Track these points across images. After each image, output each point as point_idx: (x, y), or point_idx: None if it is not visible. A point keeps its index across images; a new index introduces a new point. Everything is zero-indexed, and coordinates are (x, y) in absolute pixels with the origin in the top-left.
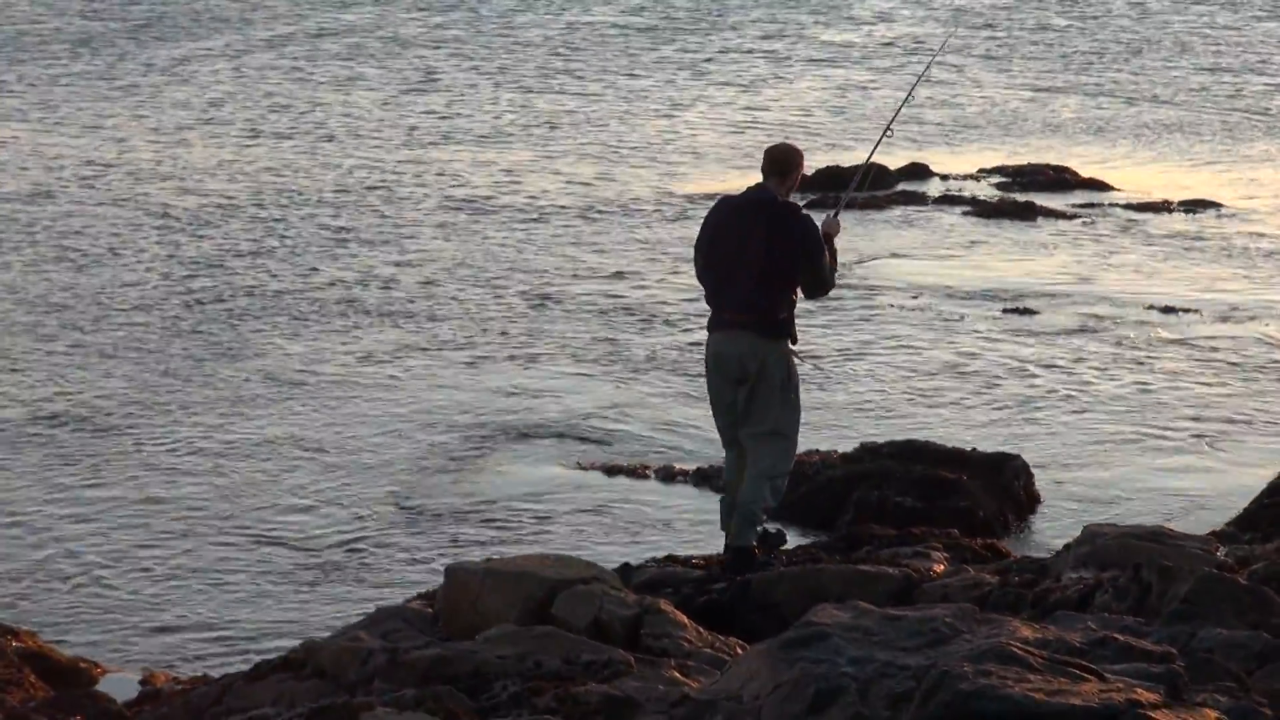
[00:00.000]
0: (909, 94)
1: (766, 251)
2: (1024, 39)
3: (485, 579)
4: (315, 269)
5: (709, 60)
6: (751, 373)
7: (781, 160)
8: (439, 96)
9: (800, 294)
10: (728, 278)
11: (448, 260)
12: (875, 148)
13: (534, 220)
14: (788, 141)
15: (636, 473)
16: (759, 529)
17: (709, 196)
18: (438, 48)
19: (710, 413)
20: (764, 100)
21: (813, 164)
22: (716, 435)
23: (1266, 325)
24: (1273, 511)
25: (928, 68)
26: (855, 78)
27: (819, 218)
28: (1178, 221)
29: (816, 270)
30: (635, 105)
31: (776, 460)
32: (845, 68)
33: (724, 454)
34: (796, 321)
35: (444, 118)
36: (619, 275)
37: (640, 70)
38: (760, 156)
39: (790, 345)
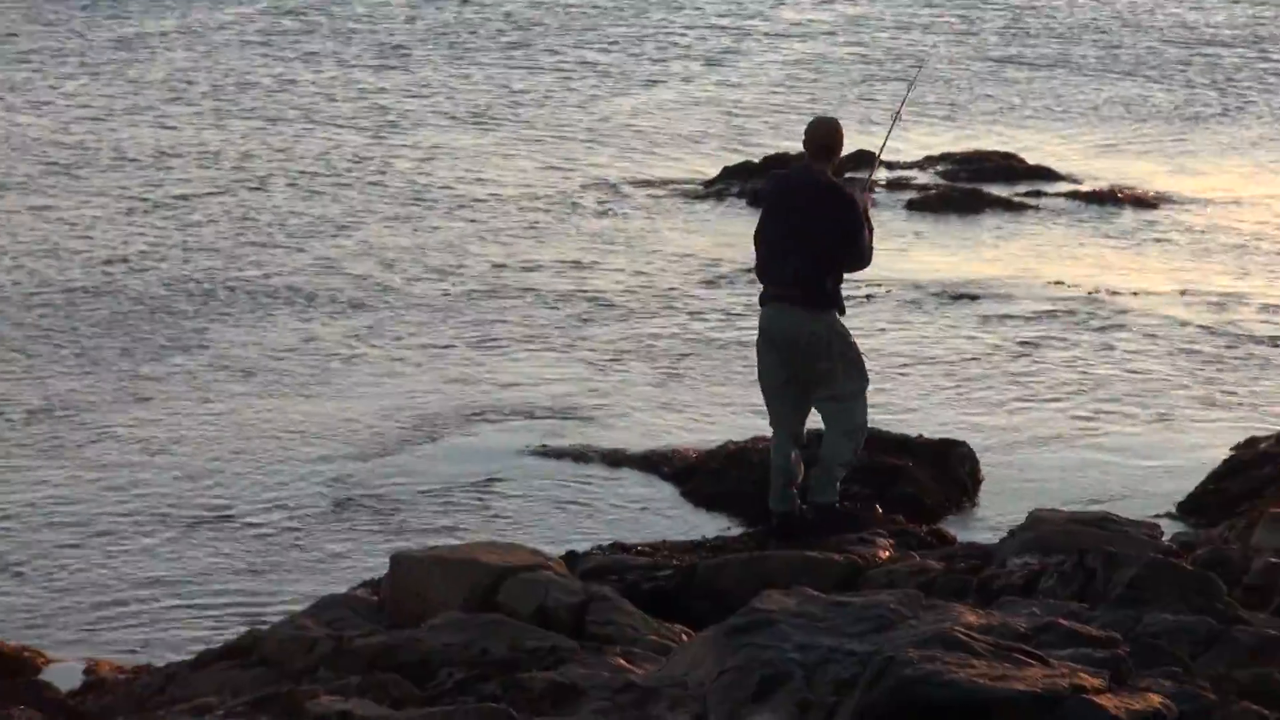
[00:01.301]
0: (913, 80)
1: (812, 230)
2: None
3: (431, 567)
4: (269, 256)
5: (675, 37)
6: (802, 347)
7: (826, 139)
8: (401, 76)
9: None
10: (776, 254)
11: (402, 247)
12: (889, 133)
13: (491, 206)
14: (828, 117)
15: (583, 459)
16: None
17: (676, 182)
18: (410, 22)
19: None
20: (734, 78)
21: (767, 149)
22: (663, 422)
23: (1217, 313)
24: (1218, 496)
25: (924, 62)
26: (821, 52)
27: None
28: (1127, 209)
29: (859, 248)
30: (601, 84)
31: (853, 417)
32: (811, 42)
33: (772, 434)
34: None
35: (406, 97)
36: (577, 264)
37: (605, 47)
38: (731, 137)
39: (838, 315)
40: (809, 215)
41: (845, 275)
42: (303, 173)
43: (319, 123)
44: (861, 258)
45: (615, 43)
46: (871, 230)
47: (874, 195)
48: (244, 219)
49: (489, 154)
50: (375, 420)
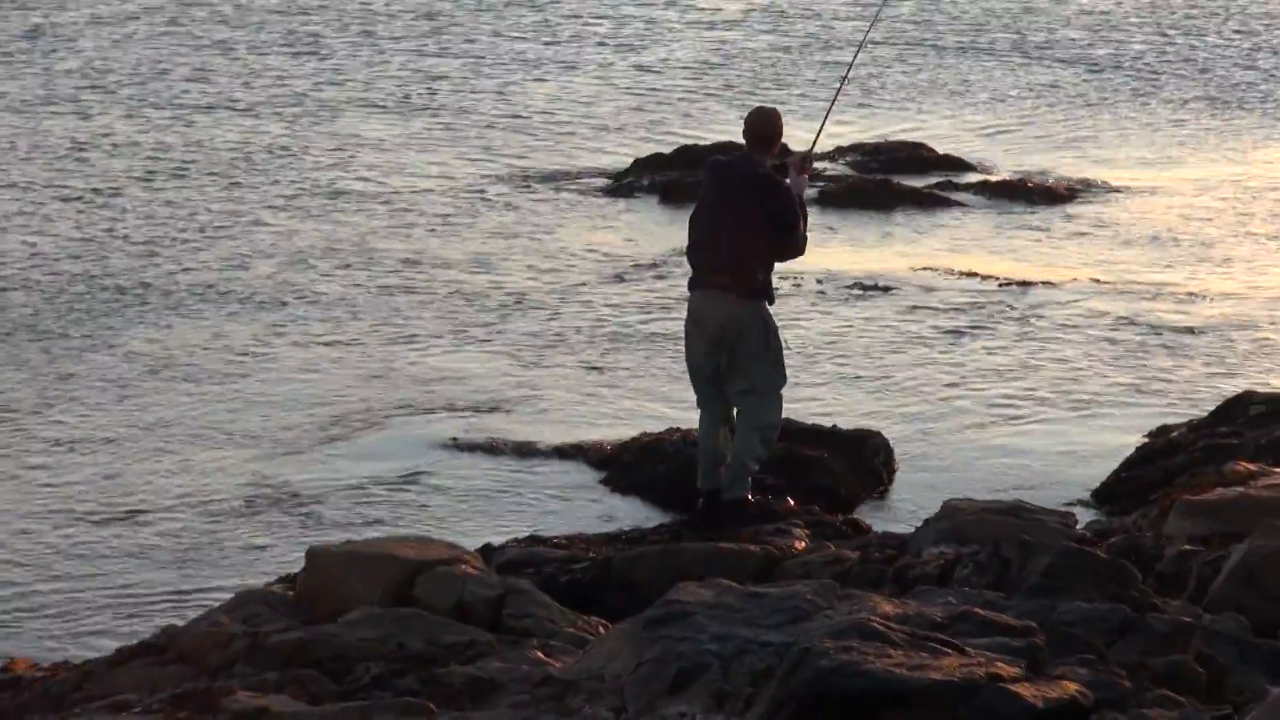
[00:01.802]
0: (852, 61)
1: (747, 220)
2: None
3: (347, 561)
4: (183, 251)
5: (591, 25)
6: (729, 333)
7: (763, 131)
8: (316, 63)
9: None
10: (708, 240)
11: (315, 241)
12: (826, 116)
13: (406, 198)
14: (769, 107)
15: (499, 453)
16: (749, 480)
17: (589, 172)
18: (320, 10)
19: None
20: (650, 63)
21: (682, 138)
22: (579, 415)
23: (1131, 303)
24: (1131, 484)
25: (863, 42)
26: (736, 38)
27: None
28: (1040, 199)
29: (792, 239)
30: (517, 71)
31: (763, 413)
32: (725, 30)
33: (699, 416)
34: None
35: (322, 84)
36: (489, 259)
37: (521, 34)
38: (645, 125)
39: (767, 306)
40: (744, 204)
41: (777, 264)
42: (218, 164)
43: (235, 112)
44: (795, 248)
45: (530, 31)
46: (806, 219)
47: (808, 176)
48: (159, 213)
49: (404, 143)
50: (291, 416)
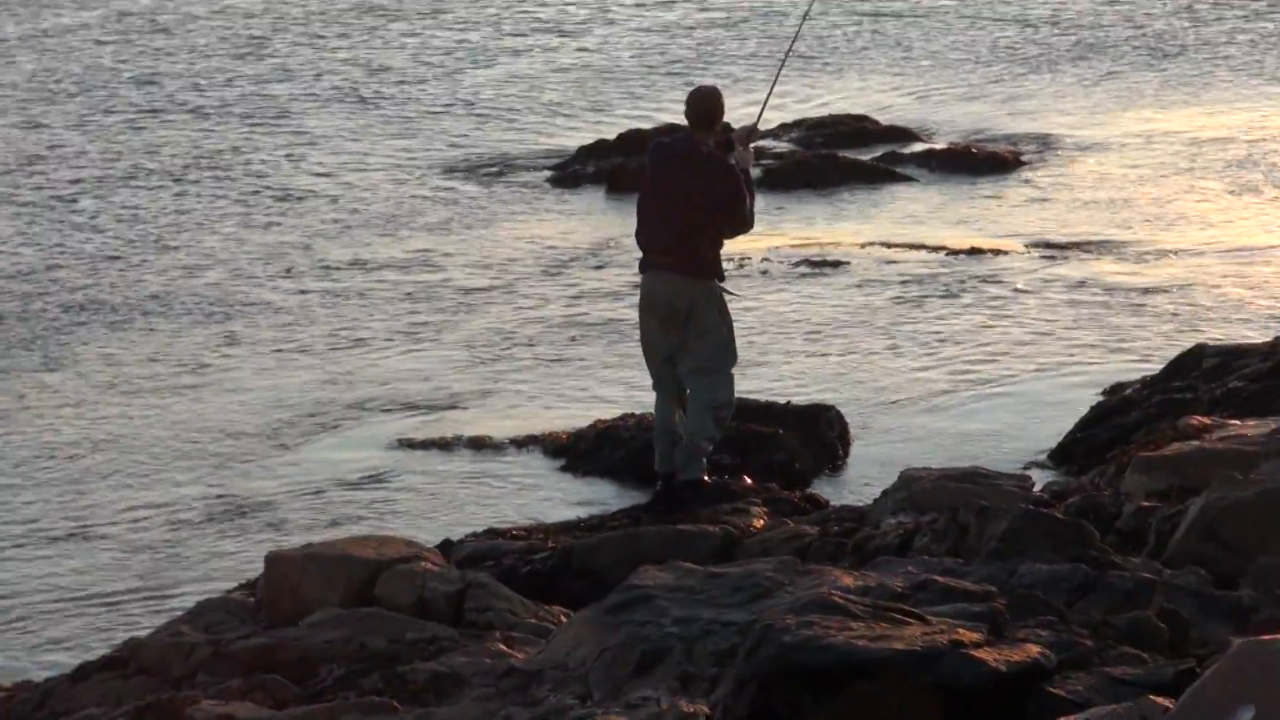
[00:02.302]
0: (795, 35)
1: (691, 199)
2: None
3: (306, 564)
4: (135, 260)
5: (534, 11)
6: (681, 313)
7: (705, 109)
8: (261, 65)
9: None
10: (655, 221)
11: (265, 245)
12: (770, 91)
13: (355, 196)
14: (709, 86)
15: (454, 448)
16: (705, 461)
17: (535, 160)
18: (261, 15)
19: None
20: (592, 46)
21: (628, 120)
22: (531, 406)
23: (1078, 266)
24: (1086, 443)
25: (806, 15)
26: (677, 19)
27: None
28: (985, 165)
29: (738, 216)
30: (463, 59)
31: (716, 393)
32: (668, 10)
33: (654, 399)
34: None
35: (265, 85)
36: (435, 254)
37: (462, 23)
38: (590, 109)
39: (718, 283)
40: (689, 184)
41: (726, 240)
42: (168, 169)
43: (184, 115)
44: (743, 224)
45: (472, 21)
46: (753, 195)
47: (753, 151)
48: (109, 224)
49: (353, 138)
50: (246, 423)
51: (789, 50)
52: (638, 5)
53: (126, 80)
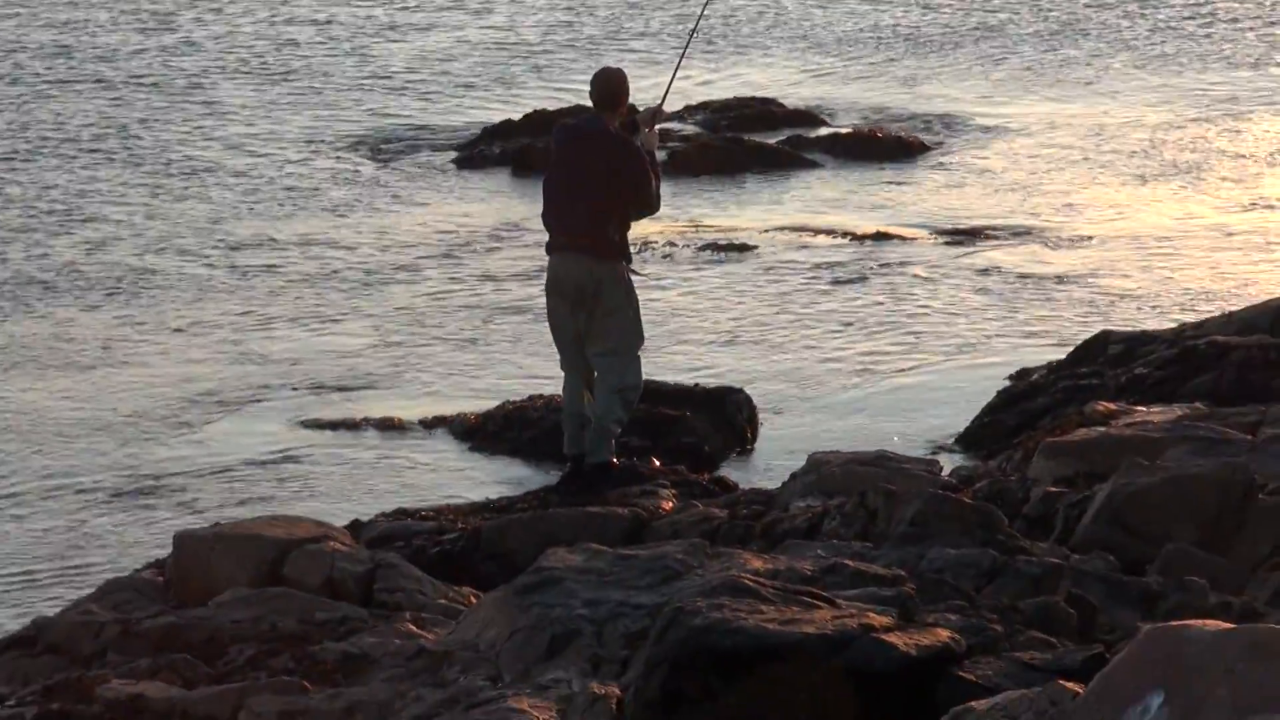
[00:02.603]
0: (699, 15)
1: (597, 180)
2: None
3: (215, 544)
4: (39, 238)
5: None
6: (589, 294)
7: (611, 91)
8: (169, 36)
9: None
10: (562, 202)
11: (172, 223)
12: (674, 72)
13: (259, 172)
14: (614, 68)
15: (362, 428)
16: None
17: (442, 137)
18: None
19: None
20: (501, 22)
21: (535, 98)
22: (439, 387)
23: (986, 250)
24: (994, 428)
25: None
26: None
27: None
28: (892, 149)
29: (644, 197)
30: (372, 34)
31: (624, 375)
32: None
33: (563, 379)
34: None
35: (175, 57)
36: (339, 234)
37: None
38: (498, 85)
39: (625, 265)
40: (595, 165)
41: (633, 221)
42: (77, 143)
43: (92, 87)
44: (648, 205)
45: None
46: (659, 176)
47: (657, 132)
48: (16, 196)
49: (263, 112)
50: (153, 402)
51: (693, 31)
52: None
53: (34, 52)
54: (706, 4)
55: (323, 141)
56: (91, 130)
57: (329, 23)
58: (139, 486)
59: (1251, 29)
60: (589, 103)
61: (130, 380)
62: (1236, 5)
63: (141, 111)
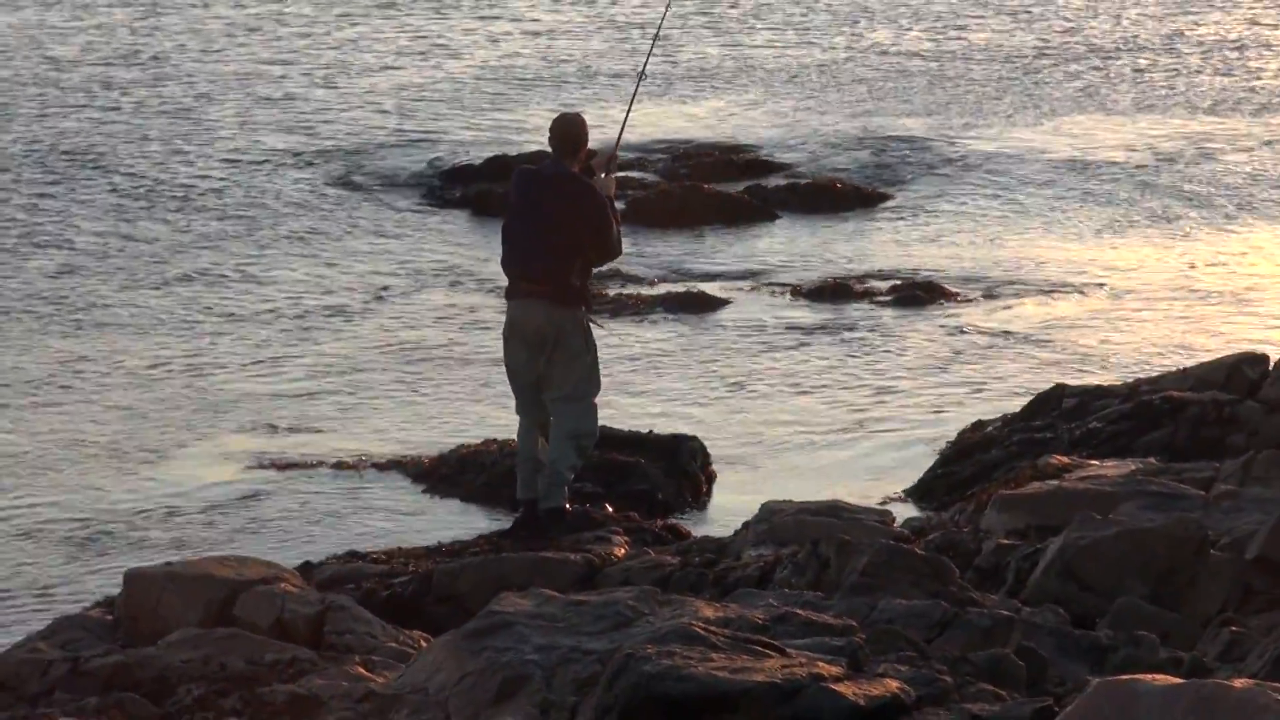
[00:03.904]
0: (647, 56)
1: (559, 226)
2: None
3: (165, 583)
4: None
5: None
6: (549, 340)
7: (571, 136)
8: (135, 67)
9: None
10: (523, 248)
11: (110, 256)
12: (627, 115)
13: (207, 201)
14: (573, 113)
15: (313, 469)
16: (567, 490)
17: (399, 179)
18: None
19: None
20: (461, 62)
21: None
22: (394, 429)
23: (944, 306)
24: (947, 480)
25: (656, 35)
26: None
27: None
28: (850, 200)
29: (605, 243)
30: (338, 66)
31: (580, 421)
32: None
33: (518, 423)
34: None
35: (110, 66)
36: (295, 273)
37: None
38: (470, 122)
39: (586, 311)
40: (555, 211)
41: (595, 266)
42: (28, 169)
43: (48, 108)
44: (610, 251)
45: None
46: (619, 221)
47: (615, 176)
48: None
49: (211, 136)
50: (103, 441)
51: (641, 74)
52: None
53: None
54: (654, 44)
55: (282, 179)
56: (43, 155)
57: (290, 62)
58: (89, 525)
59: (1214, 73)
60: (549, 148)
61: (79, 420)
62: (1194, 51)
63: (94, 135)
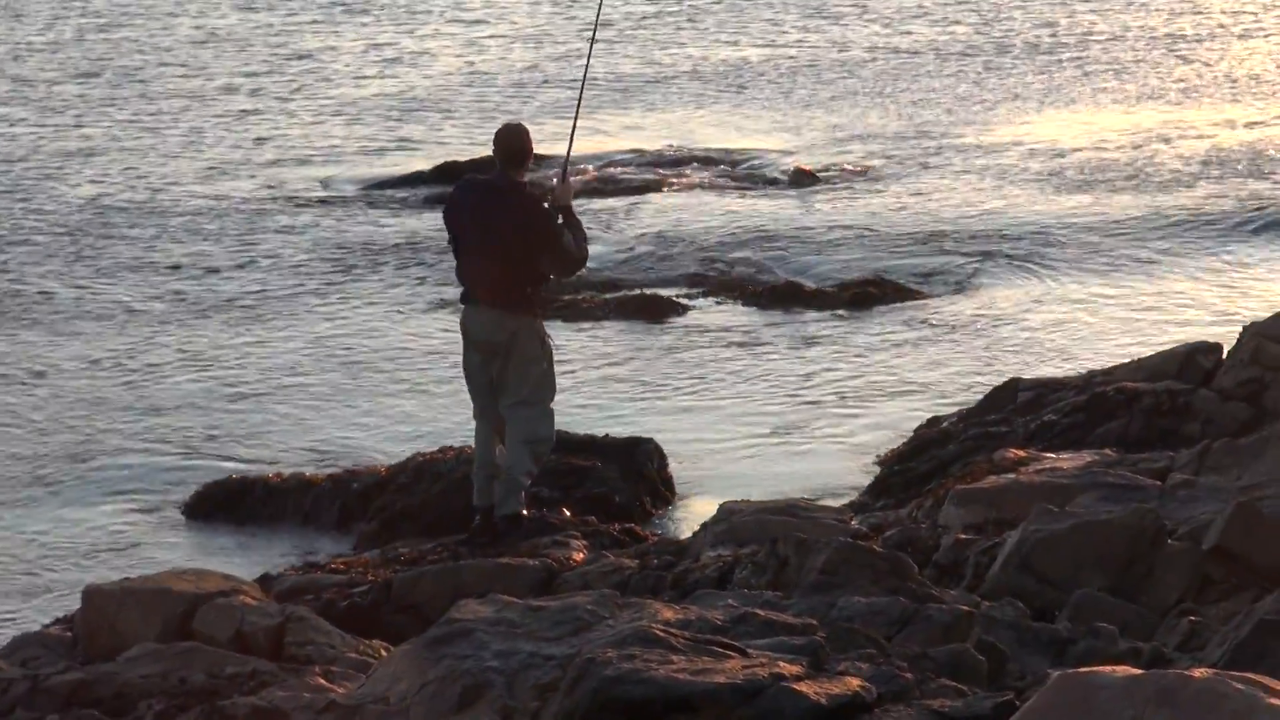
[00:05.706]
0: (586, 66)
1: (506, 238)
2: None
3: (123, 598)
4: None
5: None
6: (502, 346)
7: (515, 147)
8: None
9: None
10: (473, 257)
11: (56, 264)
12: (575, 124)
13: (164, 212)
14: (516, 124)
15: (269, 479)
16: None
17: (361, 185)
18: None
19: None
20: (413, 75)
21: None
22: (349, 436)
23: (897, 299)
24: (904, 476)
25: (592, 39)
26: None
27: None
28: (788, 187)
29: (559, 254)
30: (298, 83)
31: (535, 427)
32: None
33: (475, 429)
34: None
35: (74, 81)
36: (240, 278)
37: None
38: (414, 132)
39: (539, 318)
40: (501, 221)
41: (562, 278)
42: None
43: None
44: (569, 262)
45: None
46: (580, 227)
47: (570, 183)
48: None
49: (175, 151)
50: (46, 454)
51: (583, 80)
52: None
53: None
54: (590, 51)
55: (232, 186)
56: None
57: (264, 75)
58: (41, 537)
59: (1172, 64)
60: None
61: (16, 431)
62: (1145, 46)
63: (74, 139)
